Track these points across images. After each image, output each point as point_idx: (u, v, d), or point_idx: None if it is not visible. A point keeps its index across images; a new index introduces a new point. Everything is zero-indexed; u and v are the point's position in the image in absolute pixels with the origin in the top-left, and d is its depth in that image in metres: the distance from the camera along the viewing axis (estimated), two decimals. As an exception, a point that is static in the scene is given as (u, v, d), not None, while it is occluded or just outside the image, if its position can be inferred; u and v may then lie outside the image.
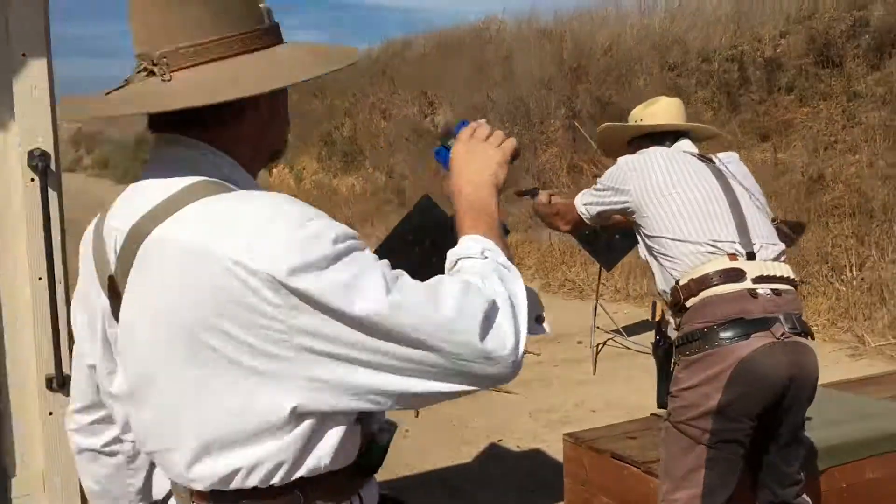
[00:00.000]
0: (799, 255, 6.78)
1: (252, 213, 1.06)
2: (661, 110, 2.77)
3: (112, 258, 1.14)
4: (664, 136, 2.72)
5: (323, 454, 1.10)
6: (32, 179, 2.10)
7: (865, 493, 2.70)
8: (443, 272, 1.17)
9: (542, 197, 2.99)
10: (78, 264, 1.26)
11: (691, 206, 2.47)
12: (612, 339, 6.63)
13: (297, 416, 1.06)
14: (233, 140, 1.16)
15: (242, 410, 1.06)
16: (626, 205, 2.61)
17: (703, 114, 9.33)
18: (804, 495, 2.49)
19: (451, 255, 1.19)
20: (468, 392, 1.08)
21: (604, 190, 2.69)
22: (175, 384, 1.08)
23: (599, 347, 6.26)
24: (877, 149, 7.87)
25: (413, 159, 14.27)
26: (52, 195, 2.13)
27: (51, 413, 2.16)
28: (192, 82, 1.10)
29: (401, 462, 4.57)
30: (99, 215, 1.21)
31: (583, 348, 6.47)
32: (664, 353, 2.60)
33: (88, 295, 1.21)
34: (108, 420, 1.30)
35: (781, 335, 2.33)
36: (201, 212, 1.07)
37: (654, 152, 2.63)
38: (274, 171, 18.89)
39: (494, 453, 4.71)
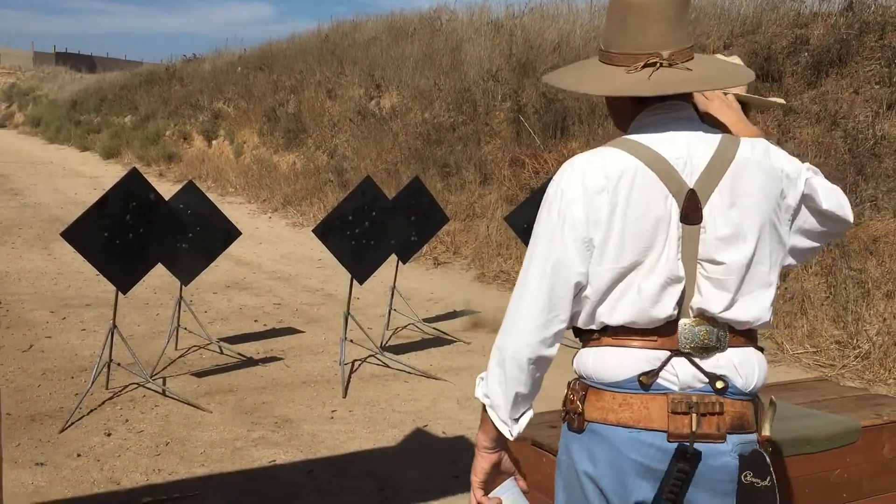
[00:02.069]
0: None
1: (777, 147, 1.75)
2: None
3: (687, 177, 1.64)
4: None
5: None
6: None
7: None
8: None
9: None
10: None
11: None
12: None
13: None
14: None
15: (778, 266, 1.73)
16: None
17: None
18: None
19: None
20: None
21: None
22: (762, 250, 1.68)
23: (529, 340, 6.33)
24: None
25: (357, 140, 14.18)
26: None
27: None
28: (703, 72, 1.70)
29: (323, 443, 4.59)
30: (616, 158, 1.65)
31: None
32: None
33: (640, 213, 1.63)
34: (560, 335, 1.69)
35: None
36: (752, 144, 1.70)
37: None
38: (213, 142, 18.56)
39: (419, 438, 4.74)
